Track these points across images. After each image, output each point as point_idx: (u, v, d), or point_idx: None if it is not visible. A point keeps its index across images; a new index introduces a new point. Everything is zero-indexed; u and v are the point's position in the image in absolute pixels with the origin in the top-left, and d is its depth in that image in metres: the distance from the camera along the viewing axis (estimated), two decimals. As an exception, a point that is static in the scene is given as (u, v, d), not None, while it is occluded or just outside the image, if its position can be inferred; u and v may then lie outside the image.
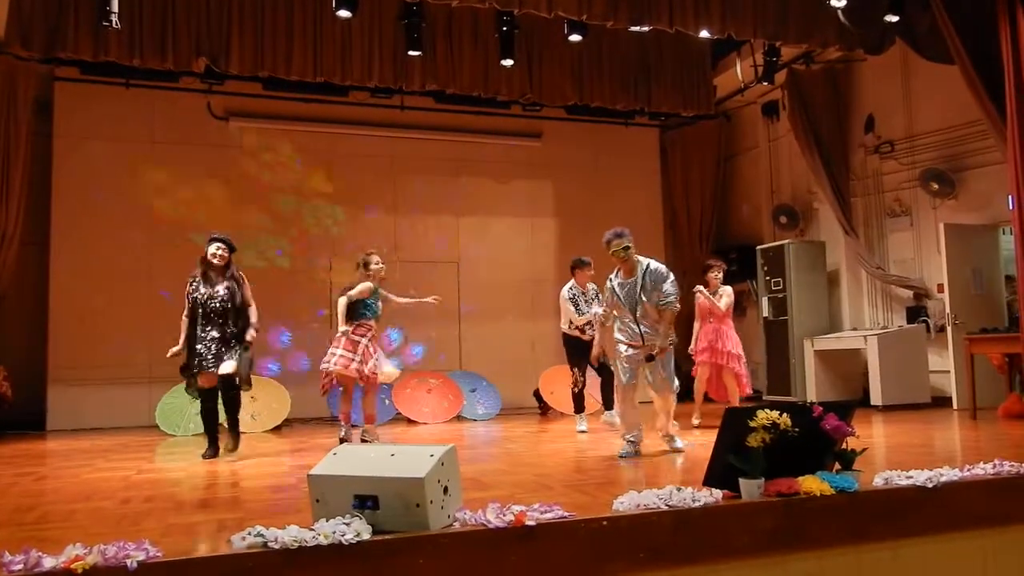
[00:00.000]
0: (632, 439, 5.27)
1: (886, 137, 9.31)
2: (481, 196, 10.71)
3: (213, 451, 5.88)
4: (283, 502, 3.90)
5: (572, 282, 7.40)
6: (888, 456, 4.97)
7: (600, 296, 7.09)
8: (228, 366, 5.72)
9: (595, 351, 5.78)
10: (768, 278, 9.85)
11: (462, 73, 8.93)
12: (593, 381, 7.45)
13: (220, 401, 5.88)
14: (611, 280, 5.33)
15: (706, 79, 10.23)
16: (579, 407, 7.35)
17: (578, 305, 7.27)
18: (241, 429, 7.98)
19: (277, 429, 8.37)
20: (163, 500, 4.02)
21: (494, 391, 9.66)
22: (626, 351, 5.20)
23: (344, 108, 10.01)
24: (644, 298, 5.15)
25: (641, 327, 5.16)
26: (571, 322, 7.28)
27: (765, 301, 9.89)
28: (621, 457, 5.13)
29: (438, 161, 10.52)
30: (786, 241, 9.78)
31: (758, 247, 10.18)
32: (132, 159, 9.26)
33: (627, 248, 5.18)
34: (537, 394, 9.74)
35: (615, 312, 5.34)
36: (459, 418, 9.15)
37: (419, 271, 10.04)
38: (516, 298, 10.69)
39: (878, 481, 3.47)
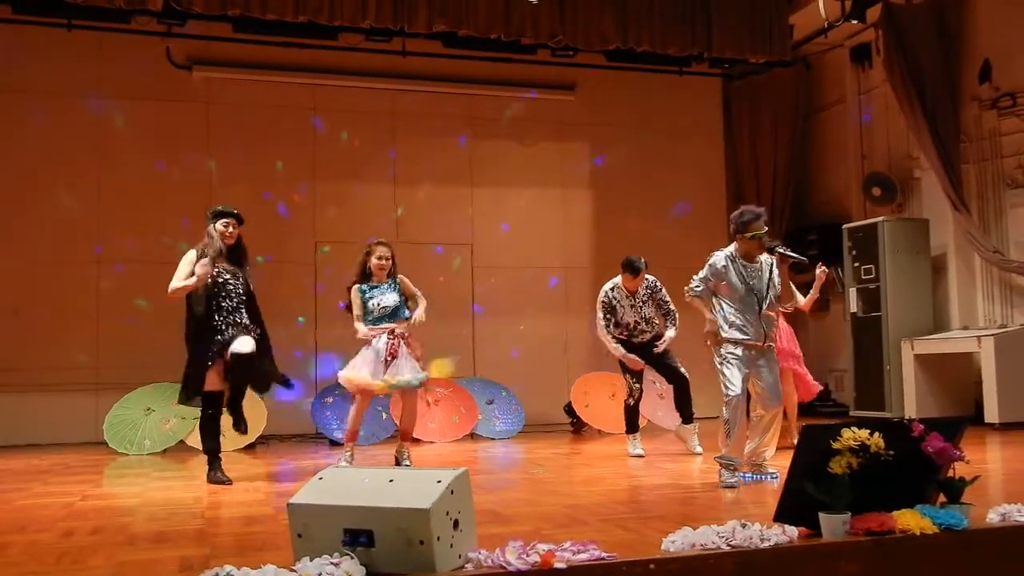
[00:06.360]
0: (736, 463, 5.36)
1: (1006, 88, 9.21)
2: (500, 162, 10.70)
3: (220, 472, 5.72)
4: (258, 536, 3.95)
5: (616, 281, 7.16)
6: (1006, 487, 4.94)
7: (656, 295, 7.11)
8: (246, 343, 5.64)
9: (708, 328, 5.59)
10: (857, 264, 9.80)
11: (477, 10, 8.91)
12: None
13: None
14: (727, 258, 5.44)
15: (781, 16, 10.13)
16: (632, 425, 7.25)
17: (614, 313, 7.08)
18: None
19: (250, 448, 8.45)
20: (113, 532, 4.08)
21: (516, 403, 9.68)
22: (738, 352, 5.31)
23: (332, 55, 10.02)
24: (772, 291, 5.43)
25: (764, 324, 5.39)
26: (606, 328, 7.10)
27: (853, 293, 9.83)
28: (728, 487, 5.17)
29: (447, 119, 10.51)
30: (880, 218, 9.71)
31: (844, 226, 10.14)
32: (74, 117, 9.34)
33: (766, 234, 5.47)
34: (569, 407, 9.76)
35: (725, 300, 5.40)
36: (473, 436, 9.19)
37: (422, 256, 10.05)
38: (543, 289, 10.69)
39: (993, 517, 3.45)
